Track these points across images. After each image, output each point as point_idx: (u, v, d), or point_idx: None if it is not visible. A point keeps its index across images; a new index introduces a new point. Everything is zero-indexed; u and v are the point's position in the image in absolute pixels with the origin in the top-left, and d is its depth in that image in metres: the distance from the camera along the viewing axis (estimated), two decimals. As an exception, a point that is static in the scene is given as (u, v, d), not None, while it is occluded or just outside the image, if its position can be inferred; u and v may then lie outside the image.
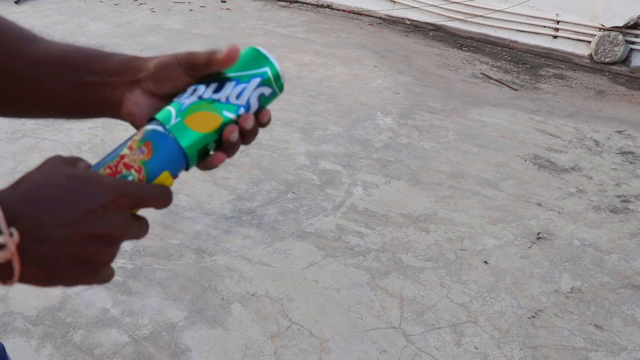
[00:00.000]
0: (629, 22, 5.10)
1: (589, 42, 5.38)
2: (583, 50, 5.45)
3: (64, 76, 0.63)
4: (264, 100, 0.65)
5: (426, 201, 3.02)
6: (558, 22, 5.52)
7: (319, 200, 2.98)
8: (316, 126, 3.79)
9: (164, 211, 2.81)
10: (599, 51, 5.25)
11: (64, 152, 3.23)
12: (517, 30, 5.76)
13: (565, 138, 3.82)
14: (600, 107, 4.37)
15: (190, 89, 0.61)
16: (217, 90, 0.62)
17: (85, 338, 2.09)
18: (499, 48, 5.63)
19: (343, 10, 6.73)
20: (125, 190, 0.54)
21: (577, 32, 5.44)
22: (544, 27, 5.61)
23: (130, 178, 0.56)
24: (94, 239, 0.52)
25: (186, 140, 0.59)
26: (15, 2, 6.44)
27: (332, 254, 2.58)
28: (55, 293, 2.29)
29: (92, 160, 0.60)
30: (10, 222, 0.49)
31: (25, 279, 0.53)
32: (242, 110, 0.62)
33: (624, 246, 2.73)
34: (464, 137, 3.75)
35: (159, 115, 0.59)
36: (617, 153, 3.64)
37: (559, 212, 2.97)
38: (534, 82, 4.83)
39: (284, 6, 6.81)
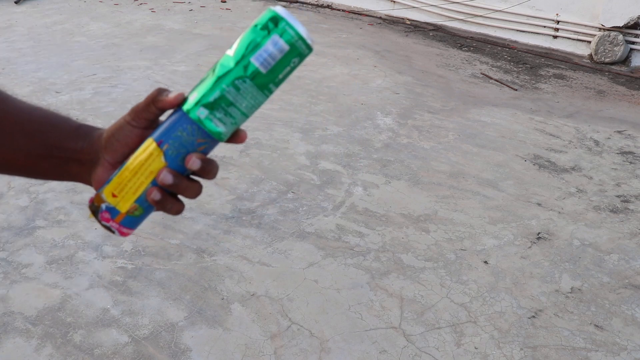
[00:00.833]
0: (629, 22, 5.10)
1: (589, 42, 5.38)
2: (583, 50, 5.45)
3: (35, 149, 0.66)
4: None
5: (426, 201, 3.02)
6: (558, 22, 5.52)
7: (319, 200, 2.98)
8: (316, 126, 3.79)
9: (164, 211, 2.81)
10: (599, 51, 5.25)
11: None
12: (517, 30, 5.76)
13: (565, 138, 3.81)
14: (600, 107, 4.37)
15: None
16: None
17: (85, 338, 2.08)
18: (499, 48, 5.63)
19: (343, 10, 6.72)
20: None
21: (577, 32, 5.44)
22: (544, 27, 5.61)
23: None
24: None
25: None
26: (15, 2, 6.44)
27: (332, 254, 2.58)
28: (56, 293, 2.29)
29: None
30: None
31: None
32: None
33: (624, 246, 2.73)
34: (464, 137, 3.75)
35: None
36: (617, 153, 3.64)
37: (559, 212, 2.97)
38: (534, 82, 4.83)
39: (284, 6, 6.81)
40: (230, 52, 0.60)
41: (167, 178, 0.62)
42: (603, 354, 2.11)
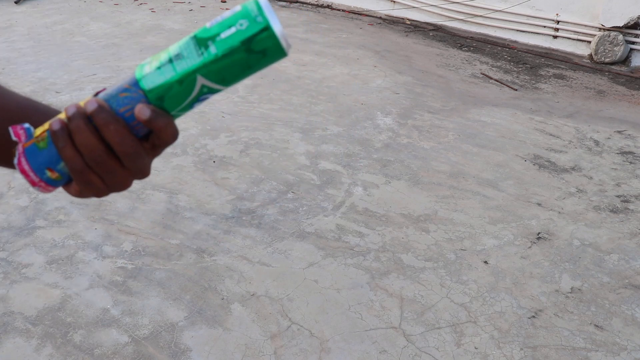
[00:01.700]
0: (629, 22, 5.10)
1: (589, 42, 5.38)
2: (583, 50, 5.45)
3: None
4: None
5: (426, 201, 3.02)
6: (558, 22, 5.52)
7: (319, 200, 2.98)
8: (316, 126, 3.79)
9: (164, 211, 2.81)
10: (599, 51, 5.25)
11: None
12: (517, 30, 5.76)
13: (565, 138, 3.81)
14: (600, 107, 4.37)
15: None
16: None
17: (85, 338, 2.08)
18: (499, 48, 5.63)
19: (343, 10, 6.72)
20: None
21: (577, 32, 5.44)
22: (544, 27, 5.61)
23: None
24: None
25: None
26: (15, 2, 6.44)
27: (332, 254, 2.58)
28: (55, 293, 2.29)
29: None
30: None
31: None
32: None
33: (624, 246, 2.73)
34: (464, 137, 3.75)
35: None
36: (617, 153, 3.64)
37: (559, 212, 2.97)
38: (534, 82, 4.83)
39: (284, 6, 6.81)
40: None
41: (95, 106, 0.55)
42: (603, 354, 2.11)
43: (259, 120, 3.77)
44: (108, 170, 0.56)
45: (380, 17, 6.49)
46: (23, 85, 4.25)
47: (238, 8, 0.54)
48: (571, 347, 2.14)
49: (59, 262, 2.46)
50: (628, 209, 3.04)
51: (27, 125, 0.59)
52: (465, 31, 6.04)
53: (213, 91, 0.56)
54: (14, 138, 0.58)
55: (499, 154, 3.55)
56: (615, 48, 5.18)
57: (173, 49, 0.56)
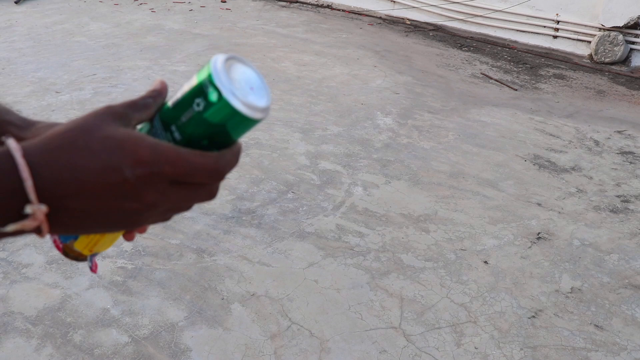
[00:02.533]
0: (629, 22, 5.10)
1: (589, 42, 5.38)
2: (583, 50, 5.45)
3: None
4: None
5: (426, 201, 3.02)
6: (558, 22, 5.52)
7: (319, 200, 2.98)
8: (316, 126, 3.79)
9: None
10: (599, 51, 5.25)
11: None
12: (517, 30, 5.76)
13: (565, 138, 3.81)
14: (600, 107, 4.37)
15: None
16: None
17: (85, 338, 2.08)
18: (499, 48, 5.63)
19: (343, 10, 6.72)
20: (159, 168, 0.47)
21: (577, 32, 5.44)
22: (544, 27, 5.61)
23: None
24: (120, 211, 0.48)
25: None
26: (15, 2, 6.44)
27: (332, 254, 2.58)
28: (56, 293, 2.29)
29: None
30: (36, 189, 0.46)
31: (58, 232, 0.50)
32: None
33: (624, 246, 2.73)
34: (464, 137, 3.75)
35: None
36: (617, 153, 3.64)
37: (559, 212, 2.97)
38: (534, 82, 4.83)
39: (284, 6, 6.81)
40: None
41: None
42: (603, 354, 2.11)
43: (259, 120, 3.77)
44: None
45: (380, 17, 6.49)
46: (23, 85, 4.25)
47: (194, 81, 0.49)
48: (571, 347, 2.14)
49: (59, 262, 2.46)
50: (628, 209, 3.04)
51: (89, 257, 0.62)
52: (465, 31, 6.04)
53: None
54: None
55: (499, 154, 3.55)
56: (615, 48, 5.18)
57: (147, 127, 0.53)
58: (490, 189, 3.16)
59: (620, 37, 5.14)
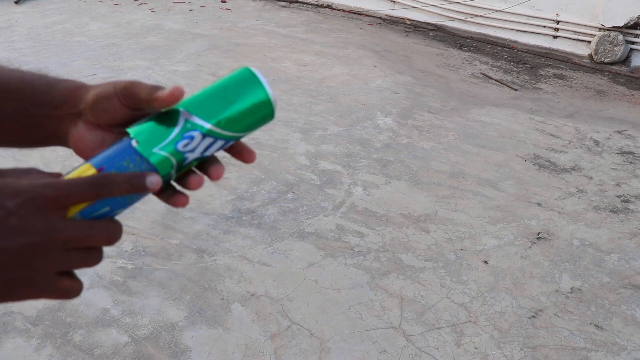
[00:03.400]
0: (629, 22, 5.10)
1: (589, 42, 5.38)
2: (583, 50, 5.45)
3: (10, 109, 0.60)
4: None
5: (426, 201, 3.02)
6: (558, 22, 5.52)
7: (319, 200, 2.98)
8: (316, 126, 3.79)
9: (164, 211, 2.81)
10: (599, 51, 5.25)
11: (64, 154, 3.23)
12: (517, 30, 5.76)
13: (565, 138, 3.82)
14: (600, 107, 4.37)
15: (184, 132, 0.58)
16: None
17: (85, 338, 2.09)
18: (499, 48, 5.63)
19: (343, 10, 6.72)
20: (38, 191, 0.48)
21: (577, 32, 5.44)
22: (544, 27, 5.61)
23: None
24: (10, 252, 0.47)
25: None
26: (15, 2, 6.44)
27: (332, 254, 2.58)
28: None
29: None
30: None
31: None
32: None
33: (624, 246, 2.73)
34: (464, 137, 3.75)
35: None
36: (617, 153, 3.64)
37: (559, 212, 2.97)
38: (534, 82, 4.83)
39: (284, 6, 6.81)
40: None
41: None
42: (603, 354, 2.11)
43: (259, 120, 3.77)
44: None
45: (380, 17, 6.49)
46: (23, 85, 4.25)
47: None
48: (571, 347, 2.14)
49: (59, 262, 2.46)
50: (628, 209, 3.04)
51: None
52: (465, 31, 6.04)
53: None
54: None
55: (499, 154, 3.55)
56: (615, 48, 5.18)
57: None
58: (490, 189, 3.16)
59: (620, 37, 5.14)
